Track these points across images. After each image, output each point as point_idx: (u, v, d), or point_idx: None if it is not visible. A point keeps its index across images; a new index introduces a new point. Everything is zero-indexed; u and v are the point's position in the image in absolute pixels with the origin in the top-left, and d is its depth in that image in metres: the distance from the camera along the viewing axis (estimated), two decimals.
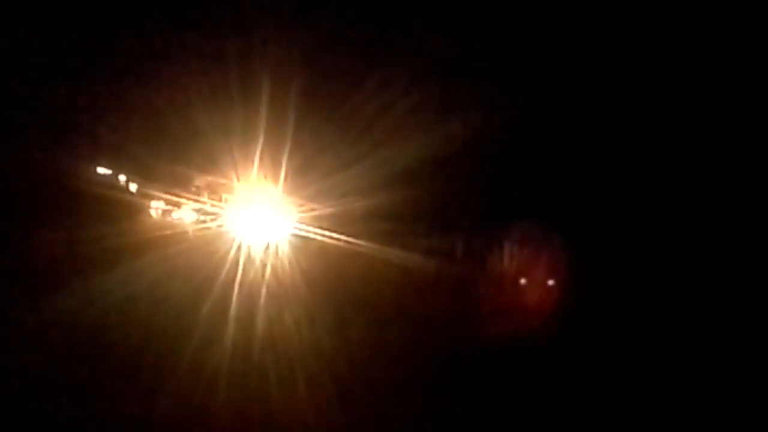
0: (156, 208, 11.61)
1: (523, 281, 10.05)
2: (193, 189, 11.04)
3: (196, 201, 10.92)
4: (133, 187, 11.30)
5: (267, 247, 9.77)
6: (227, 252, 9.72)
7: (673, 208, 9.08)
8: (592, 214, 9.33)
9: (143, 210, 11.49)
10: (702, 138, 9.00)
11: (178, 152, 10.32)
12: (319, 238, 9.77)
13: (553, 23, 8.98)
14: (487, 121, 9.29)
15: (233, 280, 9.18)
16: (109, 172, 11.07)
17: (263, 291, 9.20)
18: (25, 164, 9.57)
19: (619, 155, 9.30)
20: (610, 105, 9.19)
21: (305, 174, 9.61)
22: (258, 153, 9.35)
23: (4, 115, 9.11)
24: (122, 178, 11.22)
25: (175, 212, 11.56)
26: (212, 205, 10.76)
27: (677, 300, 8.42)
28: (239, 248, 9.76)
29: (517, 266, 10.20)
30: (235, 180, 10.01)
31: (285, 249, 9.79)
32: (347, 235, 9.66)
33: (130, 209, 11.31)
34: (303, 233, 9.85)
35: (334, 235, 9.66)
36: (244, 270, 9.39)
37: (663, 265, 8.90)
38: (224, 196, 10.68)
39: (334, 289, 9.35)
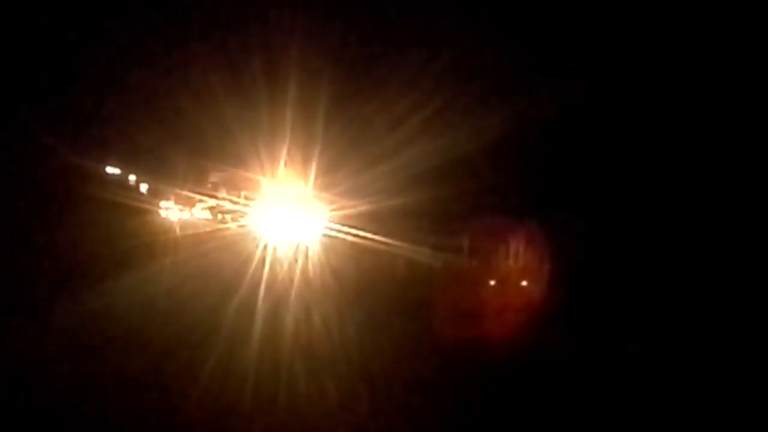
0: (166, 207, 10.84)
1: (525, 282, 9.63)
2: (209, 185, 10.28)
3: (213, 198, 10.16)
4: (143, 187, 10.55)
5: (296, 249, 9.03)
6: (249, 257, 8.95)
7: (674, 209, 8.91)
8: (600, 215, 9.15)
9: (152, 210, 10.73)
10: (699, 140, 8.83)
11: (192, 146, 9.66)
12: (352, 238, 9.03)
13: (574, 29, 8.89)
14: (512, 120, 8.99)
15: (255, 295, 8.40)
16: (118, 171, 10.32)
17: (293, 301, 8.46)
18: (30, 163, 8.90)
19: (624, 159, 9.16)
20: (616, 109, 9.04)
21: (335, 172, 8.97)
22: (285, 148, 8.66)
23: (11, 113, 8.47)
24: (132, 177, 10.46)
25: (185, 211, 10.81)
26: (232, 203, 9.98)
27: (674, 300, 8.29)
28: (263, 253, 8.98)
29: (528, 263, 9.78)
30: (258, 175, 9.26)
31: (316, 250, 9.05)
32: (381, 235, 8.97)
33: (138, 210, 10.57)
34: (334, 233, 9.11)
35: (368, 235, 8.94)
36: (268, 283, 8.60)
37: (660, 266, 8.74)
38: (244, 192, 9.92)
39: (370, 294, 8.70)
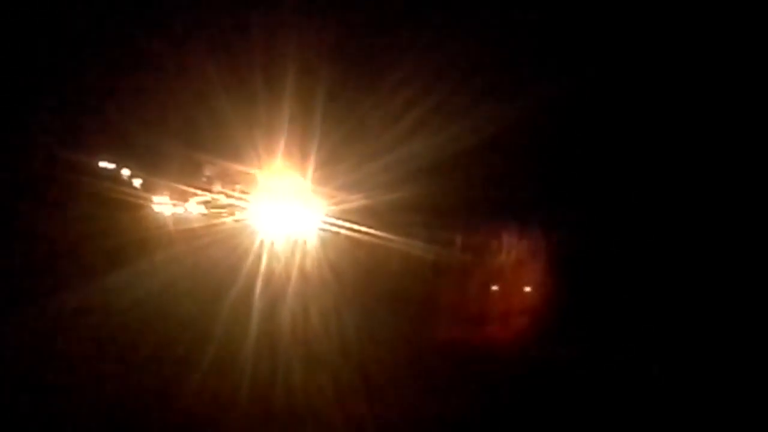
0: (159, 202, 10.57)
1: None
2: (204, 179, 10.03)
3: (207, 192, 9.90)
4: (137, 182, 10.29)
5: (294, 244, 8.80)
6: (245, 253, 8.70)
7: (678, 209, 8.70)
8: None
9: (146, 205, 10.46)
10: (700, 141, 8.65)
11: (186, 139, 9.41)
12: (350, 233, 8.80)
13: (575, 24, 8.72)
14: (513, 115, 8.83)
15: (251, 291, 8.14)
16: (112, 166, 10.06)
17: (290, 298, 8.23)
18: (22, 157, 8.67)
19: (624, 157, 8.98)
20: (619, 105, 8.89)
21: (333, 165, 8.76)
22: (282, 141, 8.43)
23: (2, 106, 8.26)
24: (125, 172, 10.21)
25: (179, 206, 10.54)
26: (227, 197, 9.72)
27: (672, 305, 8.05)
28: (260, 248, 8.75)
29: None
30: (255, 169, 9.02)
31: (314, 245, 8.83)
32: (380, 230, 8.74)
33: (131, 205, 10.31)
34: (333, 228, 8.87)
35: (367, 230, 8.71)
36: (264, 279, 8.34)
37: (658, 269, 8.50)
38: (239, 186, 9.67)
39: (367, 290, 8.49)
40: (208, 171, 10.06)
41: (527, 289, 9.18)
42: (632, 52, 8.53)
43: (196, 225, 10.20)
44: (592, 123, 9.02)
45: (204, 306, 7.94)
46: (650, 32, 8.41)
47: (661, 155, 8.73)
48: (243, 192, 9.68)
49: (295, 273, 8.62)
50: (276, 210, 9.19)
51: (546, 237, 9.33)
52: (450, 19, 8.76)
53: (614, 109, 8.85)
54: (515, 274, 9.39)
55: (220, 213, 9.95)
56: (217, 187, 9.94)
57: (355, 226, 8.80)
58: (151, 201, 10.56)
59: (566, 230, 9.04)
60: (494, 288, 9.25)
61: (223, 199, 9.85)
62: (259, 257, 8.62)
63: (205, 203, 10.24)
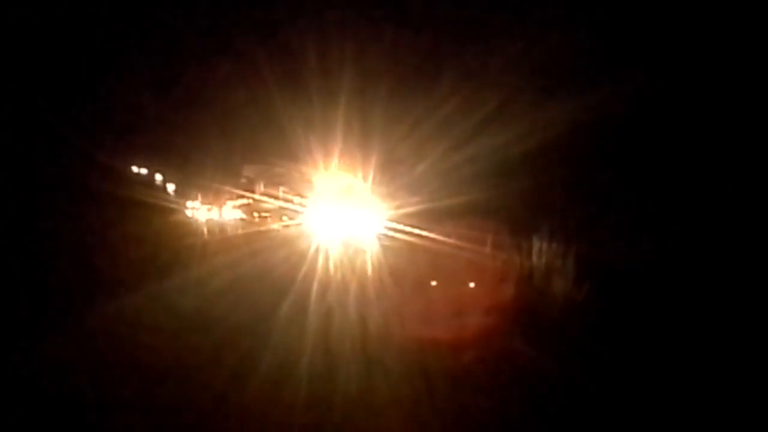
0: (194, 207, 9.72)
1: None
2: (243, 180, 9.16)
3: (247, 195, 9.04)
4: (170, 187, 9.48)
5: (353, 252, 7.95)
6: (293, 265, 7.93)
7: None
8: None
9: (179, 211, 9.64)
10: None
11: (223, 137, 8.65)
12: (416, 239, 7.96)
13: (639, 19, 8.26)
14: (579, 114, 8.29)
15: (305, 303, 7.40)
16: (144, 171, 9.27)
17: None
18: (54, 163, 8.04)
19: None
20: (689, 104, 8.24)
21: (394, 166, 8.04)
22: (339, 137, 7.63)
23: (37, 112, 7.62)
24: (158, 177, 9.40)
25: (215, 211, 9.71)
26: (273, 199, 8.85)
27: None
28: (312, 257, 7.94)
29: None
30: (301, 168, 8.18)
31: (376, 254, 7.98)
32: (449, 237, 7.94)
33: (164, 210, 9.54)
34: (395, 234, 8.02)
35: (435, 236, 7.87)
36: (317, 295, 7.59)
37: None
38: (282, 188, 8.80)
39: (441, 307, 7.75)
40: (247, 171, 9.20)
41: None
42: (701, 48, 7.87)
43: (235, 232, 9.38)
44: (663, 121, 8.33)
45: (256, 317, 7.32)
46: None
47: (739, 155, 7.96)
48: (287, 194, 8.81)
49: (355, 283, 7.84)
50: (327, 214, 8.32)
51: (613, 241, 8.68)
52: (512, 18, 8.36)
53: (686, 107, 8.13)
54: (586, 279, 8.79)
55: (264, 217, 9.08)
56: (260, 188, 9.07)
57: (418, 231, 7.98)
58: (185, 206, 9.75)
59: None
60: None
61: (271, 202, 8.96)
62: (314, 267, 7.83)
63: (245, 207, 9.37)
